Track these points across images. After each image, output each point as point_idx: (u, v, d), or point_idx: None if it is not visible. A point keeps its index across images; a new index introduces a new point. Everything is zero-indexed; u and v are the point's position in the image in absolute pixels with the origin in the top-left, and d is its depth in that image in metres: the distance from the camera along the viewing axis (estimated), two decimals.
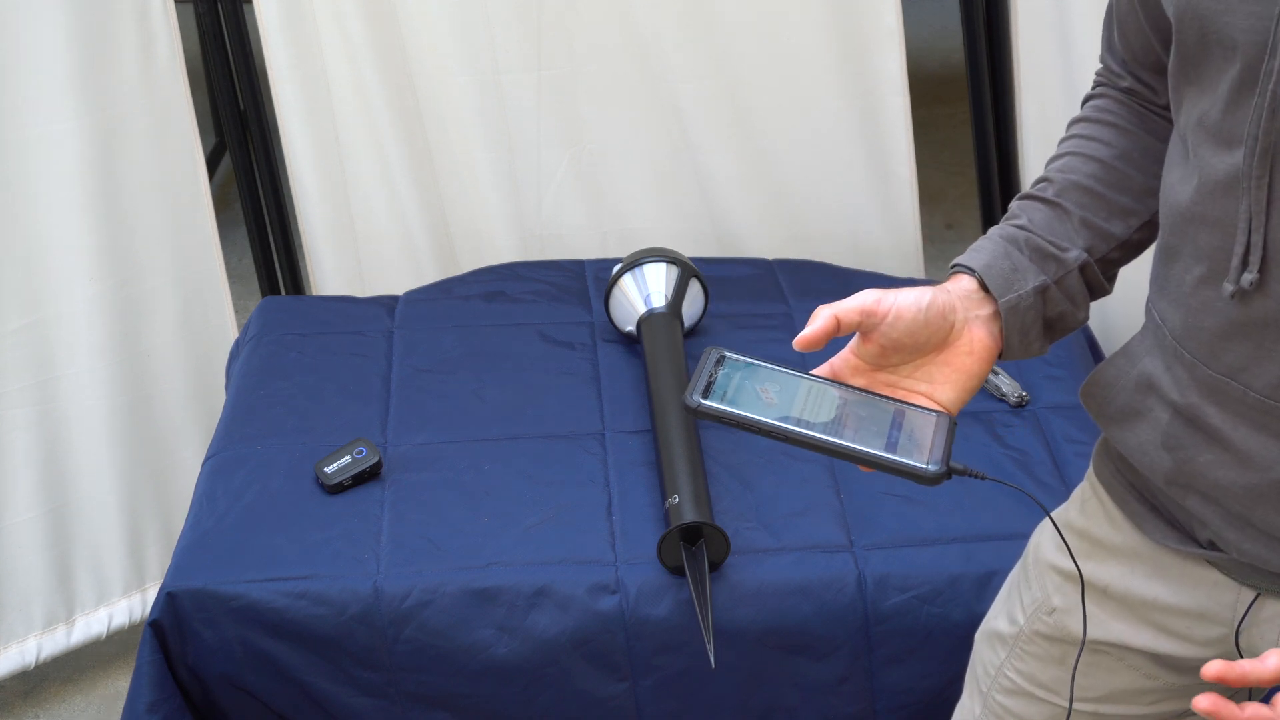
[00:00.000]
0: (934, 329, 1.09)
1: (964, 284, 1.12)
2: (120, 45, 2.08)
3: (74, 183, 2.07)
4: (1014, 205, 1.18)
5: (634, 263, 2.00)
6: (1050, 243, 1.13)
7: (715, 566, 1.61)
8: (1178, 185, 1.06)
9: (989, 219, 2.46)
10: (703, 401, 1.05)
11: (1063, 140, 1.22)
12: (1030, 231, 1.14)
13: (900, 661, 1.62)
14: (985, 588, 1.59)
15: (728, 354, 1.10)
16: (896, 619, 1.61)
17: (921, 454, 1.04)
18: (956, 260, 1.13)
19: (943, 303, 1.09)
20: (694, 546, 1.59)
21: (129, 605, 2.27)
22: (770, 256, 2.28)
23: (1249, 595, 1.12)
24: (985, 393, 1.92)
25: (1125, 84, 1.21)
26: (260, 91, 2.30)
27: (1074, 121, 1.23)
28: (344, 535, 1.68)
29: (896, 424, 1.06)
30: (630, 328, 2.00)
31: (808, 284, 2.17)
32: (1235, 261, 0.99)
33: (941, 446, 1.05)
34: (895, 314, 1.07)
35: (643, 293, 1.98)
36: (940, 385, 1.10)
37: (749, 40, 2.24)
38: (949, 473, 1.04)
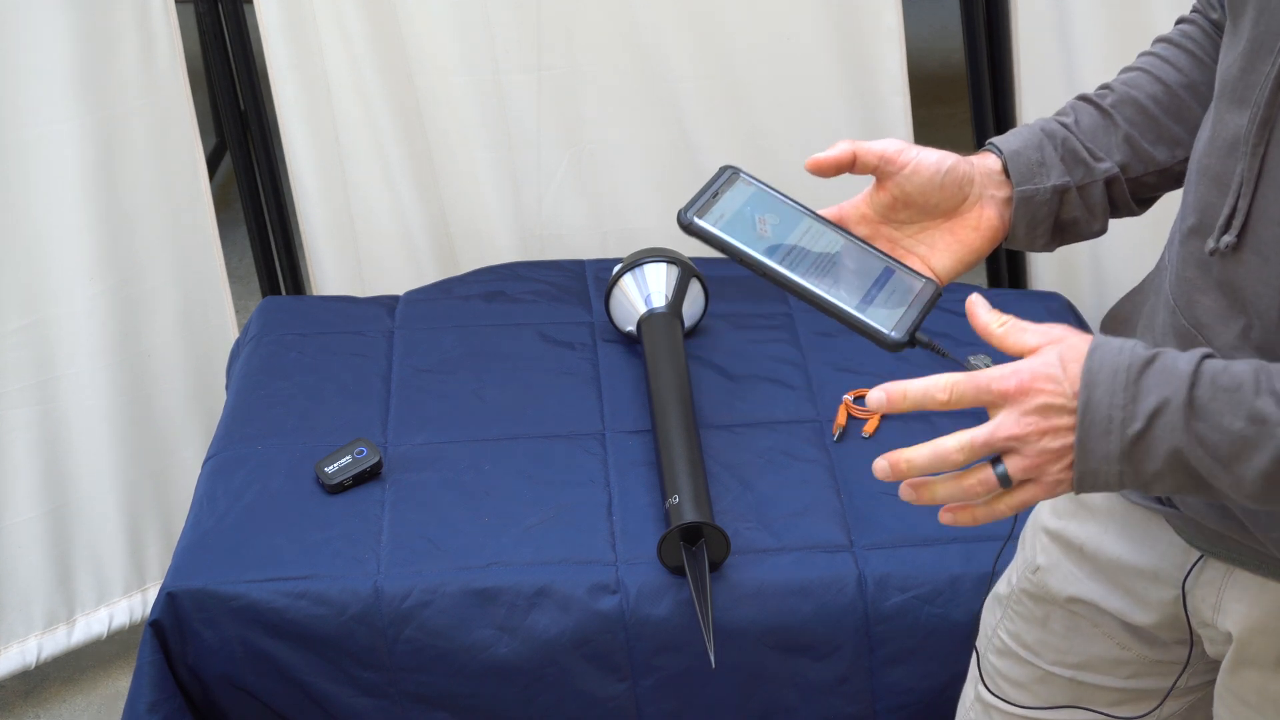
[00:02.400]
0: (947, 193, 1.10)
1: (989, 162, 1.13)
2: (120, 45, 2.08)
3: (74, 183, 2.06)
4: (1070, 102, 1.19)
5: (634, 263, 2.00)
6: (1087, 148, 1.14)
7: (715, 566, 1.61)
8: (1202, 134, 1.07)
9: None
10: (695, 220, 1.03)
11: (1142, 54, 1.22)
12: (1071, 132, 1.15)
13: (900, 661, 1.62)
14: (985, 588, 1.59)
15: (742, 173, 1.07)
16: (897, 619, 1.61)
17: (891, 318, 1.02)
18: (991, 139, 1.14)
19: (963, 171, 1.10)
20: (694, 546, 1.59)
21: (129, 605, 2.27)
22: None
23: (1195, 556, 1.15)
24: None
25: (1215, 15, 1.19)
26: (260, 91, 2.30)
27: (1157, 40, 1.22)
28: (344, 535, 1.68)
29: (880, 283, 1.05)
30: (630, 328, 1.99)
31: None
32: (1220, 221, 1.00)
33: (915, 315, 1.03)
34: (914, 167, 1.09)
35: (643, 293, 1.98)
36: (940, 252, 1.11)
37: (749, 40, 2.23)
38: (912, 342, 1.02)
